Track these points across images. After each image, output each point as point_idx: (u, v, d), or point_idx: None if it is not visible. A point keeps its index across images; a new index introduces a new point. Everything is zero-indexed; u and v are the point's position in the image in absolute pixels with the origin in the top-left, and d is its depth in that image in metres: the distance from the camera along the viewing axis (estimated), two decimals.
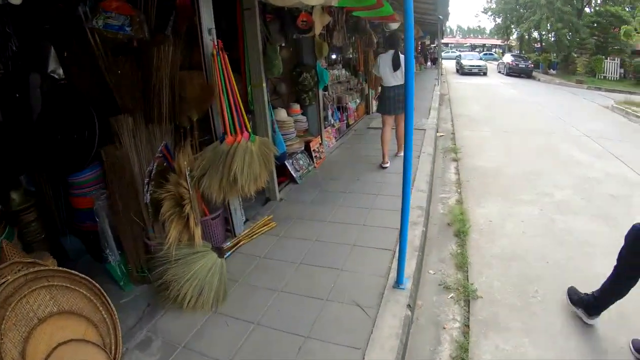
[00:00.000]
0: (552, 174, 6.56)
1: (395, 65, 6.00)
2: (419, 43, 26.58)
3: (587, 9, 32.63)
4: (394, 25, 10.71)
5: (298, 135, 5.95)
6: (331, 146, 7.44)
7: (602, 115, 12.89)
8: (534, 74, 29.86)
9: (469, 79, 26.14)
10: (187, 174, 3.18)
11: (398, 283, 3.16)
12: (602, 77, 27.31)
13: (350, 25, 8.84)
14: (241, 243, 3.99)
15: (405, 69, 2.60)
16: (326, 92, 7.48)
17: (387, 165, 6.33)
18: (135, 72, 3.51)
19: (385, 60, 6.17)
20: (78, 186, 3.48)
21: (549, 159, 7.42)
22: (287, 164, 5.49)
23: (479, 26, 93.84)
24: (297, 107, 6.10)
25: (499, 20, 42.76)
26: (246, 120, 3.66)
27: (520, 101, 15.90)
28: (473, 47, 65.78)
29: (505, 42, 51.36)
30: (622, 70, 28.10)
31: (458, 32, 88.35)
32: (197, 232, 3.22)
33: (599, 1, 33.55)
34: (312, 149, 6.18)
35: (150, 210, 3.28)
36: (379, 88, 6.74)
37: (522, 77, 29.13)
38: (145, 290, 3.37)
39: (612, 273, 2.81)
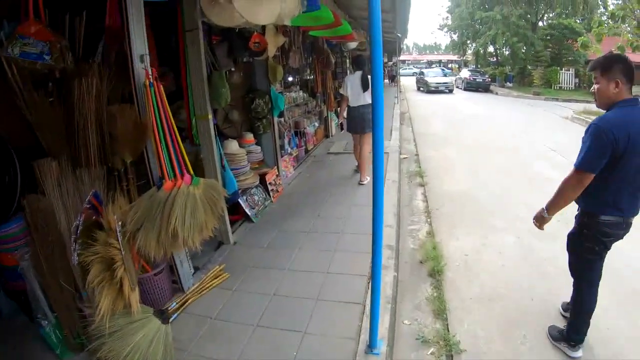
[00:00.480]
0: (522, 193, 6.46)
1: (365, 86, 6.30)
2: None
3: (540, 23, 33.86)
4: (352, 45, 10.53)
5: (252, 167, 5.52)
6: (289, 176, 7.04)
7: (564, 127, 13.30)
8: (491, 87, 30.55)
9: (428, 96, 26.35)
10: (118, 230, 2.72)
11: (371, 347, 2.78)
12: (557, 88, 28.61)
13: (307, 45, 8.61)
14: (189, 301, 3.51)
15: (373, 90, 2.31)
16: (282, 119, 7.08)
17: (365, 181, 6.59)
18: (58, 108, 3.07)
19: (352, 81, 6.48)
20: (2, 240, 3.02)
21: (517, 178, 7.34)
22: (240, 201, 5.05)
23: (435, 43, 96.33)
24: (250, 136, 5.65)
25: (455, 37, 43.75)
26: (187, 160, 3.22)
27: (481, 116, 16.07)
28: (430, 63, 67.12)
29: (462, 58, 52.55)
30: (576, 80, 29.65)
31: (414, 49, 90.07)
32: (134, 298, 2.75)
33: (552, 14, 34.80)
34: (268, 182, 5.76)
35: (79, 274, 2.81)
36: (346, 108, 6.95)
37: (479, 91, 29.69)
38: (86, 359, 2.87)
39: (573, 290, 2.98)
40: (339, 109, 8.88)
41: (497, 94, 28.73)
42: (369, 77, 6.04)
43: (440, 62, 68.67)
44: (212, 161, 4.24)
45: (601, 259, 2.80)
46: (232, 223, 4.95)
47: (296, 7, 3.63)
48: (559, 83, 29.27)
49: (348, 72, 13.37)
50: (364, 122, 6.48)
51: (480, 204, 6.14)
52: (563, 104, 20.34)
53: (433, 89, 28.23)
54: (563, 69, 30.29)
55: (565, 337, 2.99)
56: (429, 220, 5.69)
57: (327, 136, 10.61)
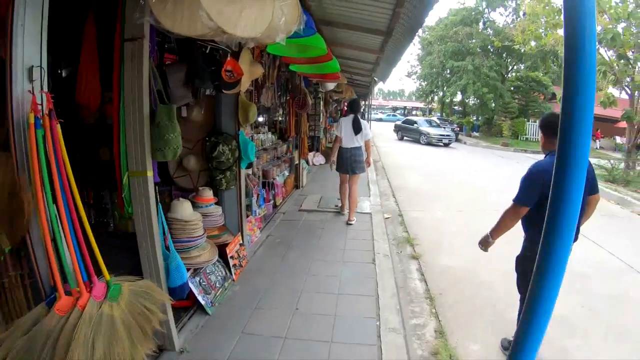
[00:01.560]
0: None
1: (356, 129, 6.82)
2: (344, 103, 25.87)
3: (507, 75, 34.57)
4: (330, 85, 9.53)
5: (210, 235, 4.19)
6: (254, 241, 5.71)
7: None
8: (459, 137, 30.53)
9: (397, 143, 25.83)
10: None
11: None
12: (524, 139, 29.10)
13: (281, 82, 7.60)
14: None
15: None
16: (250, 170, 5.76)
17: (353, 222, 6.94)
18: None
19: (346, 123, 6.94)
20: None
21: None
22: (192, 285, 3.68)
23: (399, 90, 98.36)
24: (208, 194, 4.31)
25: (423, 84, 43.99)
26: (99, 257, 1.90)
27: (458, 169, 15.42)
28: (394, 109, 68.16)
29: (428, 105, 53.02)
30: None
31: (379, 95, 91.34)
32: None
33: (521, 67, 35.54)
34: (229, 255, 4.43)
35: None
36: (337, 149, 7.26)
37: None
38: None
39: (520, 307, 3.42)
40: (312, 152, 10.13)
41: (465, 143, 28.65)
42: (361, 121, 6.95)
43: (404, 108, 69.72)
44: (150, 243, 2.85)
45: None
46: (182, 310, 3.67)
47: (296, 19, 2.41)
48: (526, 134, 30.21)
49: (321, 114, 12.46)
50: (354, 164, 6.98)
51: (493, 289, 5.01)
52: (532, 155, 20.41)
53: (435, 141, 24.91)
54: (530, 120, 30.98)
55: (509, 345, 3.46)
56: (434, 310, 4.47)
57: (297, 187, 9.36)
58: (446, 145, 24.69)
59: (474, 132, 36.22)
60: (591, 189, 3.20)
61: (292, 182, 8.95)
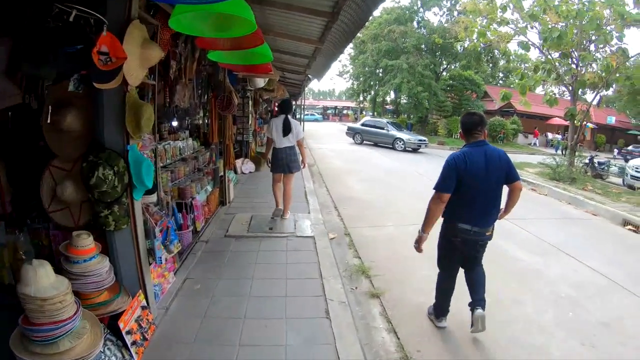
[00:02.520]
0: (522, 303, 4.83)
1: (286, 130, 6.98)
2: (274, 104, 24.42)
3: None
4: (260, 82, 8.26)
5: (93, 304, 2.80)
6: (167, 290, 4.26)
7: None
8: None
9: (328, 144, 24.61)
10: None
11: None
12: (457, 137, 29.03)
13: (202, 78, 6.48)
14: None
15: None
16: (154, 197, 4.25)
17: (287, 217, 7.24)
18: None
19: (277, 123, 7.04)
20: None
21: (499, 272, 5.37)
22: None
23: (329, 89, 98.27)
24: (86, 242, 2.84)
25: (356, 83, 43.44)
26: None
27: (400, 172, 14.73)
28: (325, 109, 67.46)
29: (359, 105, 52.69)
30: None
31: (309, 94, 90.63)
32: None
33: (455, 66, 35.84)
34: (124, 330, 3.02)
35: None
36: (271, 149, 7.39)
37: None
38: None
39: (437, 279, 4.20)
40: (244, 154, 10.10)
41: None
42: (292, 121, 7.08)
43: (335, 108, 69.34)
44: None
45: (453, 255, 3.98)
46: None
47: None
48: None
49: (250, 115, 11.34)
50: (290, 163, 7.13)
51: (490, 340, 3.93)
52: None
53: (414, 147, 23.38)
54: None
55: (432, 311, 4.25)
56: None
57: (223, 203, 7.95)
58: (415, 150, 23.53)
59: (408, 131, 36.02)
60: (511, 177, 3.73)
61: (216, 198, 7.56)
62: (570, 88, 15.07)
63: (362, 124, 26.68)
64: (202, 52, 5.76)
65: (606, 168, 17.37)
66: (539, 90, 18.84)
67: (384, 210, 8.94)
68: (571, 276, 5.72)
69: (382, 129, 25.06)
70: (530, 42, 15.74)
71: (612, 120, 36.27)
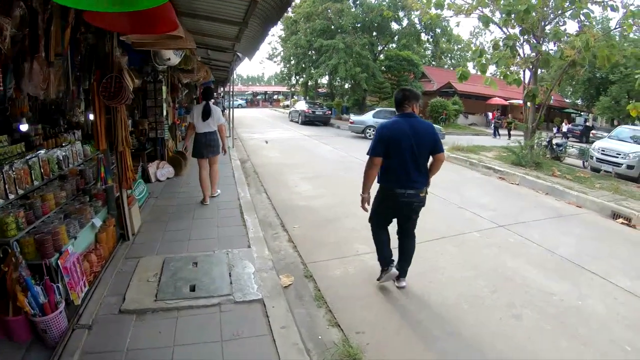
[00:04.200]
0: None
1: (205, 114, 7.07)
2: (200, 89, 21.37)
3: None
4: (173, 58, 5.99)
5: None
6: None
7: (454, 173, 11.92)
8: (330, 121, 28.41)
9: (260, 133, 21.87)
10: None
11: None
12: None
13: (81, 51, 4.56)
14: None
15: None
16: None
17: (207, 203, 7.28)
18: None
19: (198, 110, 7.15)
20: None
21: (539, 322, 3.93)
22: None
23: (258, 74, 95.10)
24: None
25: (287, 66, 40.88)
26: None
27: (349, 164, 12.49)
28: (255, 95, 64.67)
29: (291, 89, 50.20)
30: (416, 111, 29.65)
31: (238, 81, 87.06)
32: None
33: (393, 46, 34.27)
34: None
35: None
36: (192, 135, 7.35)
37: (317, 124, 27.25)
38: None
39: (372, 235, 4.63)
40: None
41: (339, 127, 26.19)
42: (212, 107, 7.15)
43: (265, 93, 66.89)
44: None
45: (385, 214, 4.49)
46: None
47: None
48: None
49: (164, 105, 9.24)
50: (211, 147, 7.26)
51: None
52: None
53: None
54: None
55: (380, 271, 4.54)
56: None
57: (124, 237, 5.40)
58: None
59: (344, 115, 34.09)
60: (436, 149, 4.15)
61: (112, 233, 5.06)
62: (531, 67, 13.56)
63: (374, 115, 21.17)
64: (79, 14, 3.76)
65: (564, 150, 16.45)
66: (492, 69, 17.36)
67: (345, 222, 6.75)
68: (619, 310, 4.39)
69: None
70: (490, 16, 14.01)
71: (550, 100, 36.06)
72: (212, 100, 7.53)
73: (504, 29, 13.68)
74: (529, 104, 14.25)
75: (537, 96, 13.52)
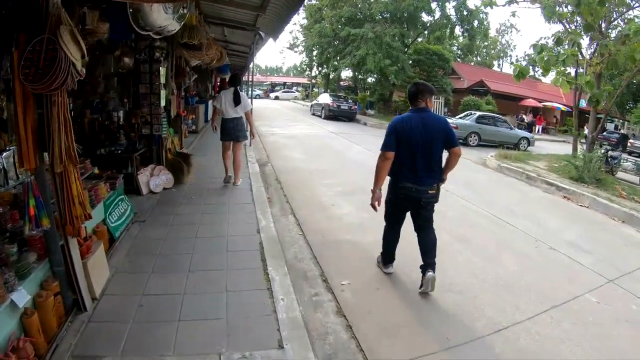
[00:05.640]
0: None
1: (236, 101, 7.16)
2: (217, 79, 19.12)
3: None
4: (168, 21, 3.93)
5: None
6: None
7: (515, 190, 10.13)
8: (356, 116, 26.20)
9: (281, 128, 19.41)
10: None
11: None
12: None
13: None
14: None
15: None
16: None
17: (239, 183, 7.51)
18: None
19: (228, 95, 7.20)
20: None
21: None
22: None
23: (276, 65, 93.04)
24: None
25: (308, 57, 38.55)
26: None
27: None
28: (273, 86, 62.59)
29: (311, 80, 47.83)
30: (446, 109, 29.60)
31: (256, 71, 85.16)
32: None
33: (420, 40, 31.76)
34: None
35: None
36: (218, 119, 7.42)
37: (342, 120, 24.89)
38: None
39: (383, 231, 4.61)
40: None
41: (365, 124, 23.93)
42: (241, 93, 7.33)
43: (284, 84, 65.12)
44: None
45: (397, 210, 4.37)
46: None
47: None
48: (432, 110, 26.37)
49: (163, 91, 6.87)
50: (238, 132, 7.37)
51: None
52: None
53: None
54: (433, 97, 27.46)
55: (380, 260, 4.75)
56: None
57: (78, 306, 3.18)
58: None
59: (369, 110, 31.71)
60: (450, 143, 4.07)
61: (55, 306, 2.91)
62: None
63: (477, 121, 19.27)
64: None
65: (617, 163, 14.05)
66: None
67: (417, 276, 4.40)
68: None
69: (503, 126, 19.90)
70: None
71: (583, 103, 33.29)
72: (240, 87, 7.64)
73: (566, 24, 11.78)
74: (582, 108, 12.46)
75: (601, 102, 11.70)
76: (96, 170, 5.20)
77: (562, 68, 10.55)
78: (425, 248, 4.26)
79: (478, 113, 20.53)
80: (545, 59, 10.60)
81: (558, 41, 11.54)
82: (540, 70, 11.72)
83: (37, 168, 2.94)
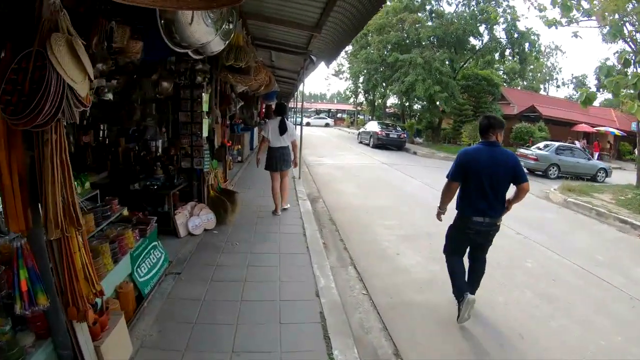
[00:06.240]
0: None
1: (282, 130, 7.10)
2: (262, 105, 18.52)
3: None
4: (210, 37, 3.24)
5: None
6: None
7: (587, 231, 8.90)
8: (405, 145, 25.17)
9: (330, 157, 18.45)
10: None
11: None
12: None
13: None
14: None
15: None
16: None
17: (279, 213, 7.33)
18: None
19: (274, 125, 7.14)
20: None
21: None
22: None
23: (320, 92, 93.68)
24: None
25: (355, 84, 38.03)
26: None
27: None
28: (318, 112, 62.52)
29: (357, 107, 47.24)
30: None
31: (299, 97, 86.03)
32: None
33: (469, 64, 30.71)
34: None
35: None
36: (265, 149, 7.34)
37: (390, 149, 23.89)
38: None
39: (447, 265, 4.39)
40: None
41: (414, 153, 22.92)
42: (287, 122, 7.24)
43: (329, 111, 65.97)
44: None
45: (463, 243, 4.27)
46: None
47: None
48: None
49: (206, 119, 6.05)
50: (283, 163, 7.28)
51: None
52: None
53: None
54: None
55: (456, 298, 4.17)
56: None
57: None
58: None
59: (417, 139, 30.61)
60: (519, 179, 4.02)
61: None
62: None
63: (556, 152, 18.10)
64: None
65: None
66: None
67: None
68: None
69: (580, 156, 18.84)
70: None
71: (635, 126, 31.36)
72: (286, 117, 7.57)
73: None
74: None
75: None
76: (125, 212, 4.43)
77: (631, 91, 9.37)
78: (476, 274, 4.33)
79: (557, 144, 19.20)
80: (616, 82, 9.38)
81: (625, 63, 10.32)
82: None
83: (29, 229, 2.14)
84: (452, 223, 4.32)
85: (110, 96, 4.37)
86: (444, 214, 4.34)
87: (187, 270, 4.63)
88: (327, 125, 51.73)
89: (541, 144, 19.52)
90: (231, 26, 3.81)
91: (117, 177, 5.69)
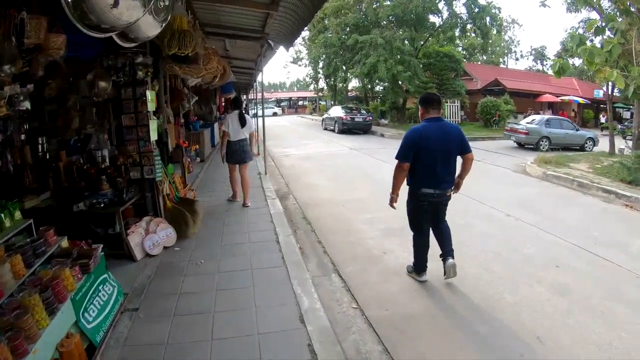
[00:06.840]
0: None
1: (242, 123, 7.20)
2: (221, 99, 17.75)
3: None
4: (137, 15, 2.50)
5: None
6: None
7: (573, 203, 8.63)
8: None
9: (295, 147, 17.70)
10: None
11: None
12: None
13: None
14: None
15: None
16: None
17: (238, 200, 7.56)
18: None
19: (234, 118, 7.21)
20: None
21: None
22: None
23: (280, 81, 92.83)
24: None
25: (313, 70, 37.27)
26: None
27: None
28: (279, 101, 61.49)
29: (318, 93, 46.55)
30: (462, 113, 28.92)
31: (259, 87, 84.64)
32: None
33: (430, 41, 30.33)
34: None
35: None
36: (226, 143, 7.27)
37: (357, 133, 23.46)
38: None
39: (412, 240, 4.65)
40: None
41: (382, 135, 22.59)
42: (245, 115, 7.44)
43: (290, 99, 65.26)
44: None
45: (422, 217, 4.46)
46: None
47: None
48: (446, 117, 25.00)
49: (155, 120, 5.29)
50: (243, 154, 7.33)
51: None
52: (478, 144, 18.09)
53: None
54: (448, 101, 27.18)
55: (412, 269, 4.68)
56: None
57: None
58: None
59: (382, 120, 30.20)
60: (465, 149, 4.30)
61: None
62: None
63: (547, 125, 18.30)
64: None
65: None
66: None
67: None
68: None
69: (568, 127, 19.04)
70: None
71: (599, 94, 31.75)
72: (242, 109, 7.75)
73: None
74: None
75: None
76: (64, 244, 3.63)
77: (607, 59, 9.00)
78: (442, 237, 4.51)
79: (546, 116, 19.72)
80: (591, 50, 8.96)
81: (597, 30, 9.91)
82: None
83: None
84: (407, 199, 4.50)
85: (27, 105, 3.56)
86: (396, 199, 4.46)
87: (146, 304, 3.89)
88: (274, 114, 50.18)
89: (529, 119, 19.63)
90: (167, 2, 3.05)
91: (61, 196, 4.90)
